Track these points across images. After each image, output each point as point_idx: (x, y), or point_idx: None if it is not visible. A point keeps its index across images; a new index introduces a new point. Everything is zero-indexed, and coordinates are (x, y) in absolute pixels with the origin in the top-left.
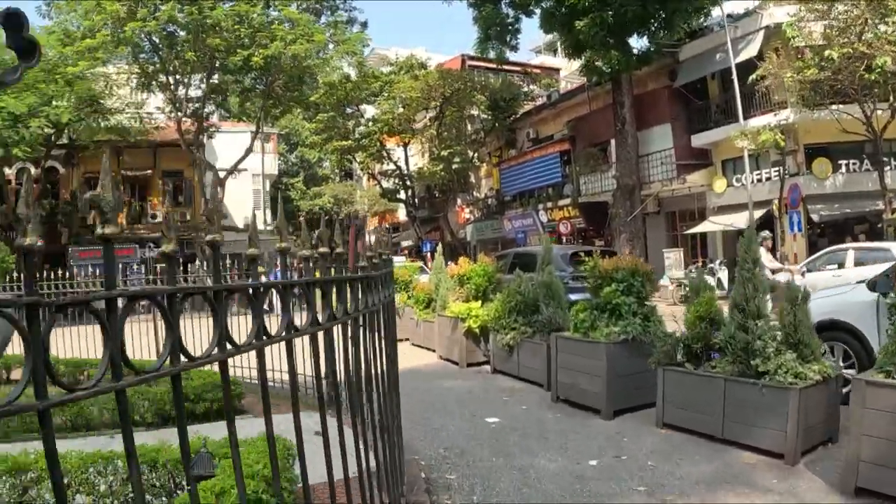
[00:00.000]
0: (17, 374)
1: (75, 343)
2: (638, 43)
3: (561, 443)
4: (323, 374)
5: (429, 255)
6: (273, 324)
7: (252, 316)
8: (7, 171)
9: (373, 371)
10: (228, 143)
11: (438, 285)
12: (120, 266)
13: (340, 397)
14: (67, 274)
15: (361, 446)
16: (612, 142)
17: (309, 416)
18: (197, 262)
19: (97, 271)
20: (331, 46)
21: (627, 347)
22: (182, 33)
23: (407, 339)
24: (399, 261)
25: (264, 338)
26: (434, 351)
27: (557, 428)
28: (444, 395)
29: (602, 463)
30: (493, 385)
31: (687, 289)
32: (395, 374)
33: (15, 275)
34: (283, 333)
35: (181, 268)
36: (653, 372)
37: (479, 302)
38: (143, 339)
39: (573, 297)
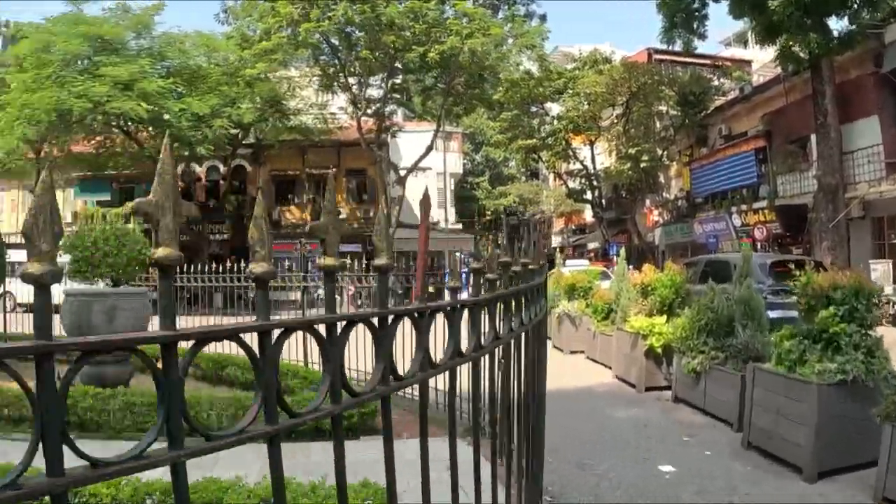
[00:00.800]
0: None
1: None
2: (838, 24)
3: None
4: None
5: (614, 258)
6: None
7: (448, 334)
8: (198, 168)
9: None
10: (413, 142)
11: (619, 294)
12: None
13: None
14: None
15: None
16: (812, 137)
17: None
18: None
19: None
20: (509, 41)
21: (845, 391)
22: (359, 33)
23: (582, 352)
24: (581, 264)
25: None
26: (610, 368)
27: (746, 486)
28: (616, 427)
29: None
30: (672, 418)
31: None
32: (540, 420)
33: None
34: (474, 352)
35: (366, 265)
36: (874, 424)
37: (664, 317)
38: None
39: (772, 314)
